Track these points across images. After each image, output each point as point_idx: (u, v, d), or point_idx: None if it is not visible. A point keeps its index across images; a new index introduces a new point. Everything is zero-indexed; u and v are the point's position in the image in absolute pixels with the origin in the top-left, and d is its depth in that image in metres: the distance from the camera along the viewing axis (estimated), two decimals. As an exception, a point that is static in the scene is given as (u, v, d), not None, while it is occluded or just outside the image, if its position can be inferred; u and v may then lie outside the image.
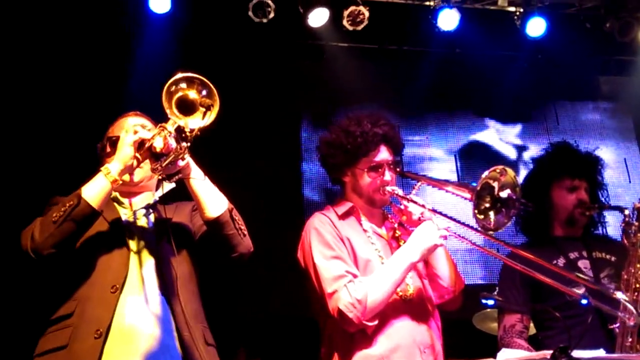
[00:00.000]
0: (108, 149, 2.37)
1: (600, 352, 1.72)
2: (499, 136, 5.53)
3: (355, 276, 2.28)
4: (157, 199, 2.35)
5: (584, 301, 1.95)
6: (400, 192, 2.47)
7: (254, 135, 4.87)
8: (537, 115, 5.62)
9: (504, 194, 2.22)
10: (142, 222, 2.32)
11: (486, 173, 2.22)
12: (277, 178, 4.88)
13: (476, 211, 2.18)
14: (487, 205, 2.23)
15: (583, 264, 2.75)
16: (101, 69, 4.41)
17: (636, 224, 2.57)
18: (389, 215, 2.63)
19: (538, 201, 2.82)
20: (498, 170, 2.22)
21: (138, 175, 2.31)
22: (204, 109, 2.03)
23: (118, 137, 2.23)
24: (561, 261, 2.76)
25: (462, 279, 2.54)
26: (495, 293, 2.76)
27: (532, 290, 2.73)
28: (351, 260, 2.34)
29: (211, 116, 2.04)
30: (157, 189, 2.41)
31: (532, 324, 2.83)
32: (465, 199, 2.22)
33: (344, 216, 2.47)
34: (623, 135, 5.56)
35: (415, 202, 2.41)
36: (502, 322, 2.74)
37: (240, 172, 4.61)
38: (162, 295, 2.18)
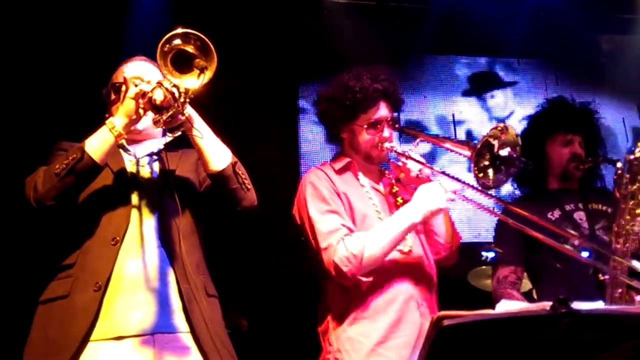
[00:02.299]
0: (112, 96, 2.35)
1: (600, 304, 1.73)
2: (498, 94, 5.50)
3: (351, 230, 2.27)
4: (162, 146, 2.34)
5: (585, 254, 1.96)
6: (399, 148, 2.45)
7: (249, 92, 4.82)
8: (536, 73, 5.58)
9: (504, 152, 2.21)
10: (146, 171, 2.31)
11: (487, 131, 2.20)
12: (274, 137, 4.85)
13: (476, 169, 2.16)
14: (487, 163, 2.22)
15: (578, 215, 2.78)
16: (101, 14, 4.34)
17: (627, 176, 2.56)
18: (387, 172, 2.62)
19: (533, 156, 2.80)
20: (499, 128, 2.21)
21: (142, 123, 2.29)
22: (198, 71, 2.01)
23: (121, 84, 2.21)
24: (557, 213, 2.79)
25: (459, 235, 2.55)
26: (493, 245, 2.81)
27: (528, 242, 2.73)
28: (348, 215, 2.33)
29: (206, 76, 2.01)
30: (163, 135, 2.40)
31: (526, 278, 2.86)
32: (465, 156, 2.21)
33: (341, 171, 2.45)
34: (622, 95, 5.53)
35: (413, 159, 2.40)
36: (496, 274, 2.77)
37: (235, 131, 4.57)
38: (162, 247, 2.18)
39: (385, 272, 2.29)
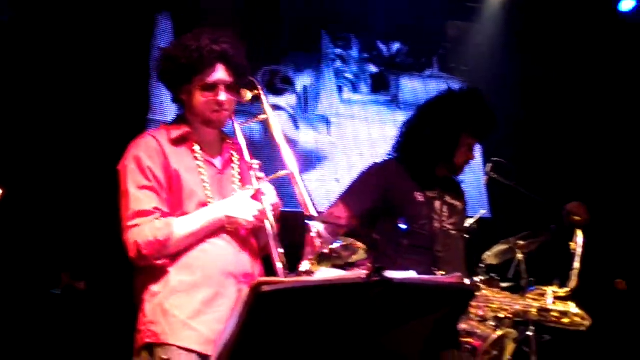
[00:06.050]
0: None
1: (412, 274, 1.82)
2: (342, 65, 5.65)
3: (164, 214, 2.20)
4: None
5: (403, 226, 2.07)
6: (237, 125, 2.39)
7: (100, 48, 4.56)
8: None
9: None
10: None
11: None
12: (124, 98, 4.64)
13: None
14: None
15: (439, 204, 2.94)
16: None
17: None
18: (231, 140, 2.49)
19: (445, 144, 2.91)
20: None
21: None
22: None
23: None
24: (420, 196, 2.91)
25: (280, 203, 2.52)
26: (344, 194, 2.92)
27: (383, 208, 2.85)
28: (173, 192, 2.23)
29: None
30: None
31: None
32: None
33: (176, 142, 2.33)
34: (464, 80, 5.83)
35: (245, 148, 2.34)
36: (334, 211, 2.88)
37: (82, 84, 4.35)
38: None
39: (205, 247, 2.24)
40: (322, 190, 5.02)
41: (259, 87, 2.42)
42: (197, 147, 2.36)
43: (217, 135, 2.45)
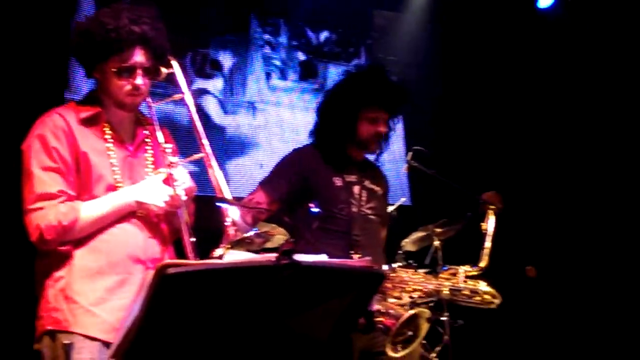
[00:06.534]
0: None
1: (323, 257, 1.83)
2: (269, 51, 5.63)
3: (70, 198, 2.12)
4: None
5: (315, 209, 2.08)
6: (153, 105, 2.32)
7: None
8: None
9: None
10: None
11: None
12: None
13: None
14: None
15: (356, 189, 2.98)
16: None
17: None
18: (146, 119, 2.41)
19: (344, 123, 2.94)
20: None
21: None
22: None
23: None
24: (339, 181, 2.94)
25: (194, 187, 2.47)
26: (264, 181, 2.93)
27: (302, 193, 2.86)
28: (81, 175, 2.15)
29: None
30: None
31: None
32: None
33: (86, 122, 2.22)
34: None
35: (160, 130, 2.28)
36: (254, 196, 2.89)
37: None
38: None
39: (113, 231, 2.17)
40: (246, 176, 4.99)
41: (174, 64, 2.36)
42: (108, 129, 2.27)
43: (131, 117, 2.36)
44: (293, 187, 2.88)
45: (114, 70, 2.21)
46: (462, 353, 3.57)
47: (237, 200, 2.22)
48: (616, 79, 5.18)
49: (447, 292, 2.75)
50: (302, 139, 3.28)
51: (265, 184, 2.94)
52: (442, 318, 3.41)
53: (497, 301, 2.79)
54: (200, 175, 2.47)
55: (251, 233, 2.19)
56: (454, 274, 2.84)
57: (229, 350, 1.74)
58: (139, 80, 2.23)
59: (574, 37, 5.35)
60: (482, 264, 2.93)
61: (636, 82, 5.07)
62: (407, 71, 5.36)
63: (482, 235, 3.02)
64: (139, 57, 2.22)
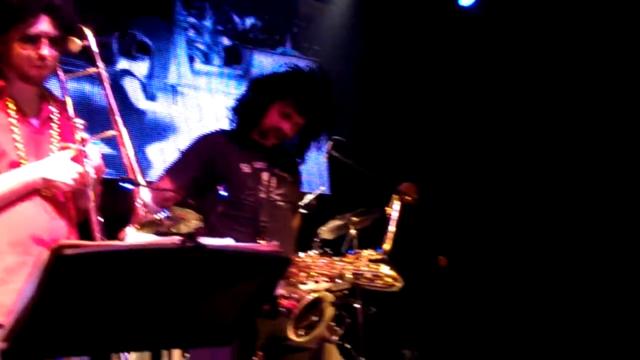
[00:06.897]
0: None
1: (229, 241, 1.81)
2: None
3: None
4: None
5: (224, 193, 2.05)
6: (63, 78, 2.22)
7: None
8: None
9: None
10: None
11: None
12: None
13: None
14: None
15: (265, 175, 2.95)
16: None
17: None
18: (52, 97, 2.33)
19: (254, 107, 2.93)
20: None
21: None
22: None
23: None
24: (246, 167, 2.91)
25: (103, 165, 2.39)
26: (170, 167, 2.88)
27: (208, 179, 2.84)
28: None
29: None
30: None
31: None
32: None
33: None
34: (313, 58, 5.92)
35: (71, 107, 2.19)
36: (160, 183, 2.85)
37: None
38: None
39: (16, 210, 2.08)
40: (164, 161, 4.90)
41: (88, 35, 2.28)
42: (11, 104, 2.17)
43: (36, 91, 2.26)
44: (198, 173, 2.86)
45: (17, 39, 2.11)
46: (373, 338, 3.64)
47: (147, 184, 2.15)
48: (532, 77, 5.38)
49: (350, 276, 2.76)
50: (223, 124, 3.24)
51: (171, 171, 2.90)
52: (355, 305, 3.45)
53: (398, 284, 2.81)
54: (115, 159, 2.40)
55: (162, 215, 2.14)
56: (358, 258, 2.86)
57: (129, 334, 1.70)
58: (45, 51, 2.13)
59: (495, 34, 5.51)
60: (386, 247, 2.96)
61: (552, 80, 5.28)
62: (330, 61, 5.39)
63: (387, 220, 3.06)
64: (44, 25, 2.13)
